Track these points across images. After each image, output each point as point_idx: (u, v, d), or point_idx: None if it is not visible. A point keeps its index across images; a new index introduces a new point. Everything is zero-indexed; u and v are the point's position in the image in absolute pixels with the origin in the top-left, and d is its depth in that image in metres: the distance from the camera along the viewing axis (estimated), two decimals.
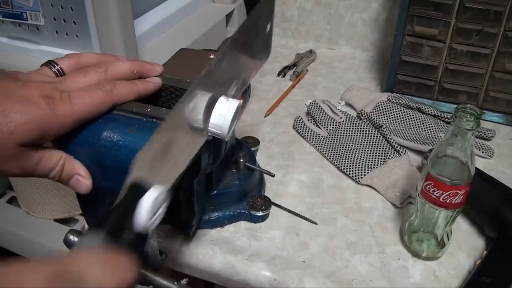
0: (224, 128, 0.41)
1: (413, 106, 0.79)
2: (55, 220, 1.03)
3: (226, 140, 0.44)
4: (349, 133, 0.75)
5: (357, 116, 0.79)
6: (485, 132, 0.74)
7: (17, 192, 1.04)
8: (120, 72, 0.45)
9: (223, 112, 0.41)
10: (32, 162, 0.39)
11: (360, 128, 0.75)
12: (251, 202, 0.61)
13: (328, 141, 0.74)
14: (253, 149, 0.70)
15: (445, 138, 0.51)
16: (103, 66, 0.44)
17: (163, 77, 0.48)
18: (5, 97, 0.38)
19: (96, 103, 0.41)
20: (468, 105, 0.49)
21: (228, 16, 0.99)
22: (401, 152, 0.70)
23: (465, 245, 0.58)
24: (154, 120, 0.41)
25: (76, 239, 0.39)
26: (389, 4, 0.94)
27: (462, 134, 0.49)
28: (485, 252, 0.56)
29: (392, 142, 0.71)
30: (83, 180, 0.41)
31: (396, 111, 0.79)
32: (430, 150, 0.67)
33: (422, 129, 0.76)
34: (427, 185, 0.52)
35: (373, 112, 0.79)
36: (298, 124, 0.78)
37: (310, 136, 0.76)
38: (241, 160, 0.61)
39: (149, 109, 0.42)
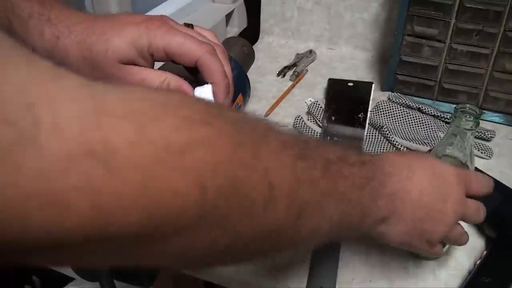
0: None
1: (413, 106, 0.79)
2: None
3: None
4: None
5: None
6: (484, 132, 0.74)
7: None
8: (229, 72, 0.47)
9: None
10: (137, 80, 0.42)
11: None
12: None
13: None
14: None
15: (445, 138, 0.51)
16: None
17: None
18: (109, 21, 0.42)
19: (187, 48, 0.43)
20: (467, 105, 0.49)
21: (228, 16, 0.99)
22: (402, 150, 0.70)
23: (465, 245, 0.58)
24: None
25: None
26: (389, 4, 0.94)
27: (462, 134, 0.49)
28: (485, 252, 0.56)
29: (393, 141, 0.71)
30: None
31: (396, 111, 0.79)
32: (430, 150, 0.67)
33: (422, 129, 0.76)
34: None
35: (373, 111, 0.79)
36: (298, 123, 0.78)
37: (311, 135, 0.76)
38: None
39: None
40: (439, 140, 0.73)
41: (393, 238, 0.43)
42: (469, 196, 0.46)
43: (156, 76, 0.43)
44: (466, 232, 0.47)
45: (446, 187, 0.42)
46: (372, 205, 0.38)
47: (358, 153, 0.39)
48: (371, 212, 0.39)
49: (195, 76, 0.46)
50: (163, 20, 0.44)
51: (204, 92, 0.43)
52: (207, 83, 0.43)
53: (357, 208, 0.37)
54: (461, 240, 0.47)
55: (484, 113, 0.80)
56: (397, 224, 0.41)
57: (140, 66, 0.43)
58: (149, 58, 0.43)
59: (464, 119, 0.48)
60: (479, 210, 0.46)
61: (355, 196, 0.37)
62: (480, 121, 0.81)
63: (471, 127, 0.48)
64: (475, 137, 0.74)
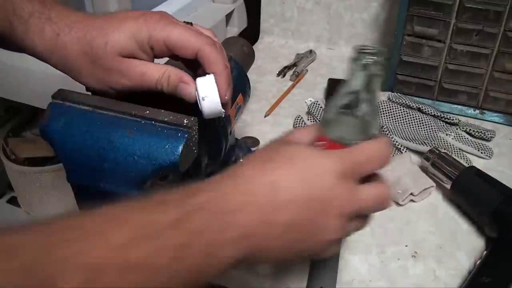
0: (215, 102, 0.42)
1: (413, 106, 0.79)
2: None
3: (223, 116, 0.44)
4: None
5: None
6: (484, 132, 0.74)
7: (17, 192, 1.04)
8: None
9: (206, 90, 0.42)
10: (137, 74, 0.42)
11: None
12: None
13: None
14: (253, 149, 0.70)
15: (343, 90, 0.43)
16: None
17: None
18: (108, 19, 0.43)
19: (187, 40, 0.42)
20: (368, 45, 0.42)
21: (228, 16, 0.98)
22: (402, 150, 0.70)
23: (465, 245, 0.58)
24: (153, 122, 0.41)
25: None
26: (389, 4, 0.94)
27: (364, 82, 0.41)
28: (485, 252, 0.56)
29: (393, 141, 0.71)
30: (187, 86, 0.43)
31: (396, 111, 0.79)
32: (430, 150, 0.67)
33: (422, 129, 0.76)
34: (319, 145, 0.42)
35: None
36: (298, 123, 0.78)
37: None
38: (241, 160, 0.61)
39: (147, 111, 0.42)
40: (439, 141, 0.73)
41: (267, 263, 0.38)
42: (367, 177, 0.39)
43: (156, 69, 0.43)
44: (366, 216, 0.41)
45: (324, 194, 0.36)
46: (212, 261, 0.32)
47: (178, 203, 0.32)
48: (217, 265, 0.32)
49: (194, 72, 0.46)
50: (161, 14, 0.44)
51: (207, 82, 0.42)
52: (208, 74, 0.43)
53: (193, 272, 0.31)
54: (361, 228, 0.41)
55: (485, 113, 0.80)
56: (265, 255, 0.36)
57: (141, 60, 0.43)
58: (149, 52, 0.43)
59: (367, 60, 0.39)
60: (380, 196, 0.39)
61: (174, 270, 0.30)
62: (480, 121, 0.81)
63: (377, 71, 0.39)
64: (475, 137, 0.74)
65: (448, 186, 0.62)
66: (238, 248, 0.33)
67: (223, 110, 0.43)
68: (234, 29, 1.00)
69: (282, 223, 0.35)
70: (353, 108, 0.41)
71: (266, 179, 0.35)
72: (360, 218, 0.40)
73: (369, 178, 0.40)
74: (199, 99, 0.42)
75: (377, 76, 0.40)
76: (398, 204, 0.63)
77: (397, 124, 0.77)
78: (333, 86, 0.85)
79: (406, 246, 0.58)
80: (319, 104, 0.80)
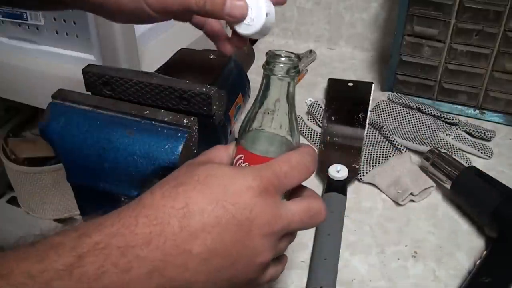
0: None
1: (413, 106, 0.79)
2: (55, 220, 1.03)
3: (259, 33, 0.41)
4: None
5: None
6: (484, 132, 0.74)
7: (17, 192, 1.04)
8: None
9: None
10: None
11: None
12: None
13: None
14: None
15: (259, 102, 0.40)
16: None
17: (162, 77, 0.48)
18: None
19: None
20: (282, 51, 0.38)
21: None
22: (402, 150, 0.70)
23: (465, 245, 0.58)
24: (153, 122, 0.41)
25: None
26: (389, 4, 0.94)
27: (278, 96, 0.38)
28: (485, 252, 0.56)
29: (393, 141, 0.71)
30: (238, 3, 0.38)
31: (396, 111, 0.79)
32: (430, 150, 0.67)
33: (422, 129, 0.76)
34: (238, 159, 0.41)
35: (373, 111, 0.79)
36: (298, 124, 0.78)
37: (311, 135, 0.76)
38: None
39: (147, 111, 0.42)
40: (439, 141, 0.73)
41: None
42: (296, 192, 0.38)
43: None
44: (294, 233, 0.39)
45: (245, 214, 0.33)
46: None
47: (74, 244, 0.29)
48: None
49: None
50: None
51: None
52: None
53: None
54: (292, 241, 0.39)
55: (485, 113, 0.80)
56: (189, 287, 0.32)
57: None
58: None
59: (279, 71, 0.36)
60: (308, 211, 0.37)
61: None
62: (480, 121, 0.81)
63: (289, 84, 0.37)
64: (475, 137, 0.74)
65: (448, 186, 0.63)
66: (150, 286, 0.30)
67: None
68: None
69: (200, 251, 0.31)
70: (271, 118, 0.39)
71: (178, 205, 0.32)
72: (291, 234, 0.38)
73: (298, 192, 0.38)
74: (254, 18, 0.39)
75: (292, 82, 0.38)
76: (398, 204, 0.63)
77: (397, 124, 0.77)
78: (333, 86, 0.86)
79: (406, 246, 0.58)
80: (319, 104, 0.80)
